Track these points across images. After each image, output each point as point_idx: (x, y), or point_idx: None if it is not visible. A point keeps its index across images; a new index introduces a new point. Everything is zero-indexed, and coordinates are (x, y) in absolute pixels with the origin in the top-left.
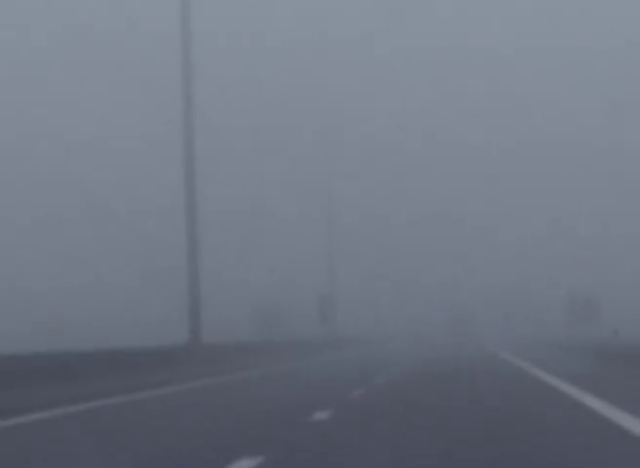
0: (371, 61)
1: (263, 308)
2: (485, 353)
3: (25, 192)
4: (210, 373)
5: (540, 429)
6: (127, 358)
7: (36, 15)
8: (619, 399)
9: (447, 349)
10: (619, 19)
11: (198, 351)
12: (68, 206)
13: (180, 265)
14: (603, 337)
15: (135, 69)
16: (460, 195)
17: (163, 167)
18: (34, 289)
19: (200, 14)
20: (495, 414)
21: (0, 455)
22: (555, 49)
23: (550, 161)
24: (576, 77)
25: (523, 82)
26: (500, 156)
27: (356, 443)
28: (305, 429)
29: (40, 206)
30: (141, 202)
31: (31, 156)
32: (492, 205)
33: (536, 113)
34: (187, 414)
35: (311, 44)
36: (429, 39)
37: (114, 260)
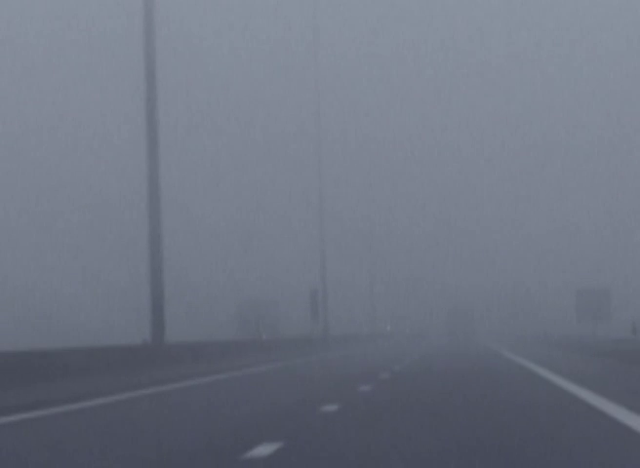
0: (372, 58)
1: (251, 305)
2: (486, 352)
3: None
4: (163, 379)
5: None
6: (66, 359)
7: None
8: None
9: (446, 348)
10: (620, 18)
11: (159, 352)
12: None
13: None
14: (615, 336)
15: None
16: (462, 191)
17: (136, 161)
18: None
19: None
20: (497, 419)
21: None
22: (557, 48)
23: (553, 157)
24: (578, 76)
25: (524, 81)
26: (502, 154)
27: None
28: None
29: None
30: (131, 197)
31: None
32: (495, 200)
33: (538, 111)
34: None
35: (307, 39)
36: (431, 39)
37: (98, 255)
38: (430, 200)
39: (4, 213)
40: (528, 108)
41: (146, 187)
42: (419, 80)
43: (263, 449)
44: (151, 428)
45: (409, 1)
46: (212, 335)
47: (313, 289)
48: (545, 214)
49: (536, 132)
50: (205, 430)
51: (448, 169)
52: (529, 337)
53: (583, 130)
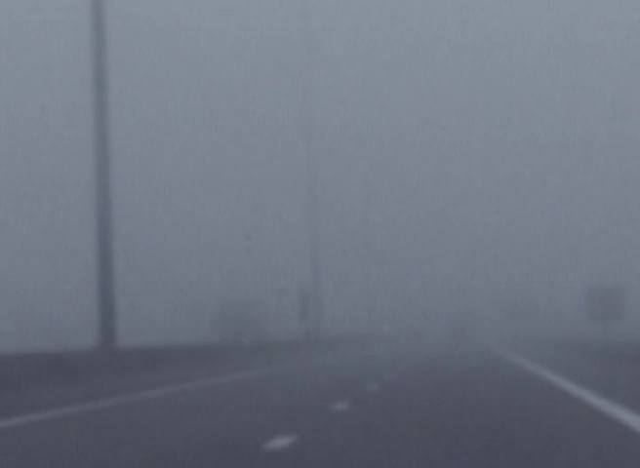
0: (376, 53)
1: (232, 305)
2: (490, 357)
3: None
4: (93, 394)
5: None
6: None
7: None
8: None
9: (446, 351)
10: (622, 17)
11: (107, 359)
12: None
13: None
14: (631, 338)
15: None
16: (464, 188)
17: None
18: None
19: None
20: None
21: None
22: (558, 46)
23: (553, 156)
24: (583, 72)
25: (527, 78)
26: (502, 152)
27: None
28: None
29: None
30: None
31: None
32: (498, 198)
33: (539, 109)
34: None
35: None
36: (432, 34)
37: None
38: (432, 196)
39: None
40: (535, 100)
41: (94, 173)
42: (418, 74)
43: None
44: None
45: None
46: (189, 339)
47: (302, 288)
48: (549, 211)
49: (538, 126)
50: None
51: (448, 166)
52: (535, 339)
53: (591, 124)
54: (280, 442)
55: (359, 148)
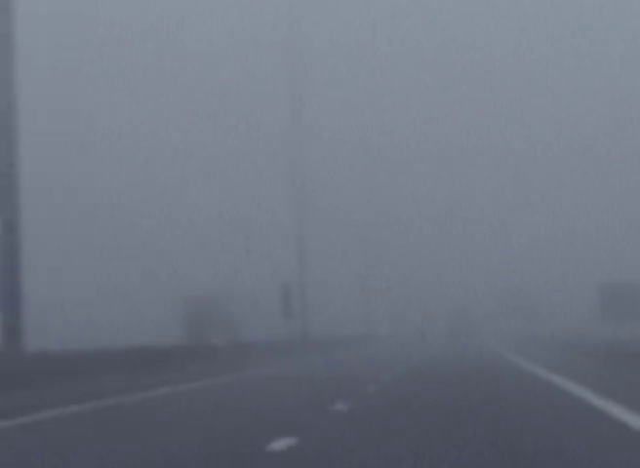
0: (373, 51)
1: (199, 302)
2: (492, 359)
3: None
4: None
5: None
6: None
7: None
8: None
9: (445, 352)
10: (624, 18)
11: (7, 367)
12: None
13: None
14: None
15: None
16: (464, 187)
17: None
18: None
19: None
20: None
21: None
22: (557, 47)
23: (554, 151)
24: (583, 71)
25: (527, 77)
26: (503, 150)
27: None
28: None
29: None
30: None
31: None
32: (497, 196)
33: (538, 108)
34: None
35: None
36: (432, 37)
37: None
38: (432, 193)
39: None
40: (538, 95)
41: None
42: (416, 74)
43: None
44: None
45: None
46: (156, 340)
47: (285, 284)
48: (552, 206)
49: (539, 121)
50: None
51: (448, 163)
52: (538, 339)
53: (594, 122)
54: None
55: (357, 147)
